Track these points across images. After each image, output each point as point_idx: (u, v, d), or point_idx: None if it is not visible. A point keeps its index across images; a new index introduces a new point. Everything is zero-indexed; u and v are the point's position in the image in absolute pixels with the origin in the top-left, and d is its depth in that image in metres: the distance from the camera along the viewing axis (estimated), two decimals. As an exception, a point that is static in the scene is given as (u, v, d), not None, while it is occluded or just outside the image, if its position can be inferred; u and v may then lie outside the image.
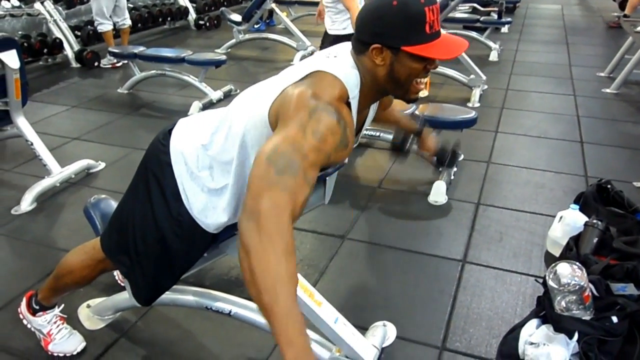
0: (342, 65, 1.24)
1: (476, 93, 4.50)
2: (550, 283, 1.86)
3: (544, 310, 1.89)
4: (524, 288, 2.20)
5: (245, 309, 1.72)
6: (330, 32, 3.56)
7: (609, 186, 2.55)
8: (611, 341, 1.77)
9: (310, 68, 1.23)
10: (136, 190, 1.47)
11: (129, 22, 5.82)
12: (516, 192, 3.00)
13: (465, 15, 6.52)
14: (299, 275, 1.63)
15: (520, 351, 1.80)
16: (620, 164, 3.34)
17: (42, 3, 5.67)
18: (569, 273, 1.83)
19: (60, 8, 5.92)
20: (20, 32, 5.49)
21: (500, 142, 3.70)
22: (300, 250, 2.47)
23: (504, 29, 7.11)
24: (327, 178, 1.63)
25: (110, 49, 5.13)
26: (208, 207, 1.39)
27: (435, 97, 4.47)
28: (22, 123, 2.99)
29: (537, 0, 9.54)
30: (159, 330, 2.01)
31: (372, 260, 2.44)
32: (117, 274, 2.15)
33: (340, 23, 3.50)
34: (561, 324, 1.79)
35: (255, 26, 6.89)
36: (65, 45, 5.71)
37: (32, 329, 1.87)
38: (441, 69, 4.43)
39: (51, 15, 5.69)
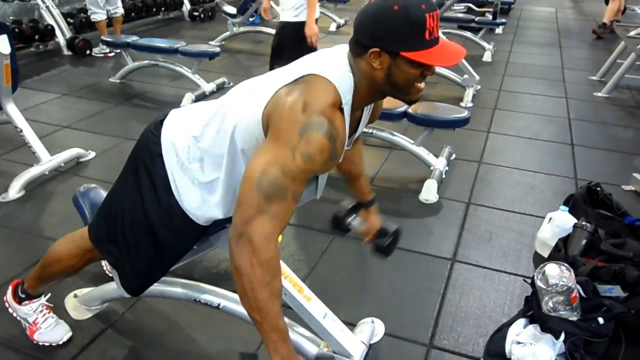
0: (336, 68, 1.23)
1: (469, 93, 4.52)
2: (539, 283, 1.87)
3: (532, 310, 1.91)
4: (512, 288, 2.21)
5: (234, 303, 1.71)
6: (284, 19, 3.61)
7: (598, 189, 2.57)
8: (597, 342, 1.79)
9: (305, 69, 1.22)
10: (126, 180, 1.46)
11: (121, 10, 5.77)
12: (506, 192, 3.02)
13: (460, 15, 6.53)
14: (289, 271, 1.65)
15: (507, 350, 1.81)
16: (610, 167, 3.37)
17: (34, -11, 5.60)
18: (557, 274, 1.84)
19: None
20: (11, 18, 5.43)
21: (492, 142, 3.71)
22: (291, 245, 2.47)
23: (498, 30, 7.14)
24: (320, 175, 1.62)
25: (103, 37, 5.08)
26: (198, 200, 1.38)
27: (428, 96, 4.48)
28: (11, 109, 2.95)
29: (532, 3, 9.58)
30: (147, 321, 2.00)
31: (362, 256, 2.44)
32: (105, 264, 2.14)
33: (294, 10, 3.54)
34: (548, 324, 1.80)
35: (250, 19, 6.85)
36: (57, 32, 5.65)
37: (18, 317, 1.85)
38: (434, 73, 4.43)
39: (43, 2, 5.62)
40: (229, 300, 1.72)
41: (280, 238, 1.21)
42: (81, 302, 1.96)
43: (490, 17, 6.48)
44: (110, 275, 2.06)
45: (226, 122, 1.29)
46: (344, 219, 1.76)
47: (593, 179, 2.72)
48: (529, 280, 2.02)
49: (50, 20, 5.63)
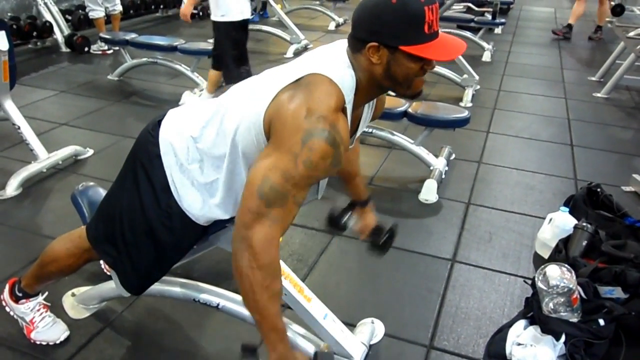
0: (338, 65, 1.22)
1: (469, 93, 4.51)
2: (539, 285, 1.86)
3: (532, 311, 1.90)
4: (512, 289, 2.20)
5: (233, 303, 1.70)
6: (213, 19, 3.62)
7: (598, 190, 2.57)
8: (597, 344, 1.79)
9: (307, 69, 1.20)
10: (124, 181, 1.45)
11: (120, 7, 5.74)
12: (506, 192, 3.01)
13: (460, 15, 6.52)
14: (289, 271, 1.64)
15: (507, 351, 1.80)
16: (609, 168, 3.37)
17: (32, -15, 5.57)
18: (558, 275, 1.84)
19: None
20: (9, 14, 5.39)
21: (491, 142, 3.71)
22: (290, 245, 2.46)
23: (498, 30, 7.13)
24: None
25: (101, 34, 5.05)
26: (198, 200, 1.37)
27: (428, 96, 4.47)
28: (9, 106, 2.92)
29: (530, 3, 9.58)
30: (145, 321, 1.99)
31: (362, 256, 2.43)
32: (103, 262, 2.12)
33: (219, 9, 3.54)
34: (549, 326, 1.80)
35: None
36: (55, 29, 5.61)
37: (15, 316, 1.83)
38: (435, 68, 4.43)
39: (41, -3, 5.59)
40: (228, 300, 1.71)
41: (280, 239, 1.22)
42: (79, 301, 1.95)
43: (489, 17, 6.48)
44: (109, 274, 2.04)
45: (226, 124, 1.28)
46: (340, 218, 1.79)
47: (593, 180, 2.72)
48: (530, 281, 2.02)
49: (48, 17, 5.59)
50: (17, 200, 2.75)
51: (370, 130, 3.06)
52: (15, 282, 1.82)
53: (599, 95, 4.76)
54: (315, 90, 1.16)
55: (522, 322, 1.89)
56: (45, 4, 5.60)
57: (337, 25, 7.21)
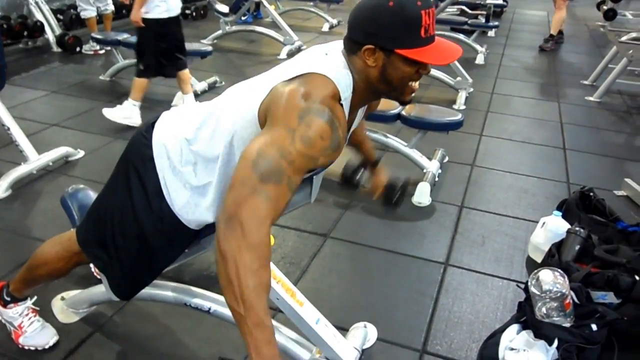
0: (333, 65, 1.21)
1: (462, 95, 4.52)
2: (532, 289, 1.86)
3: (525, 315, 1.90)
4: (505, 293, 2.20)
5: (225, 307, 1.66)
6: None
7: (591, 194, 2.57)
8: (590, 349, 1.78)
9: (301, 68, 1.19)
10: (116, 184, 1.43)
11: (111, 7, 5.70)
12: (499, 196, 3.01)
13: (453, 17, 6.53)
14: (281, 274, 1.62)
15: (500, 356, 1.79)
16: (602, 172, 3.38)
17: (23, -16, 5.52)
18: (551, 280, 1.83)
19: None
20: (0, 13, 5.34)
21: (484, 145, 3.71)
22: (282, 247, 2.44)
23: (491, 33, 7.15)
24: (315, 177, 1.60)
25: (93, 34, 5.01)
26: (190, 204, 1.35)
27: (421, 98, 4.47)
28: (-2, 107, 2.89)
29: (524, 6, 9.61)
30: (136, 325, 1.96)
31: (355, 260, 2.42)
32: (93, 266, 2.09)
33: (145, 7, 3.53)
34: (541, 330, 1.79)
35: (243, 18, 6.82)
36: (47, 28, 5.56)
37: (3, 320, 1.81)
38: (430, 72, 4.43)
39: (33, -3, 5.55)
40: (219, 305, 1.69)
41: (272, 241, 1.19)
42: (68, 304, 1.92)
43: (483, 19, 6.50)
44: (99, 277, 2.02)
45: (221, 125, 1.26)
46: (353, 175, 1.83)
47: (585, 184, 2.72)
48: (522, 286, 2.01)
49: (39, 17, 5.54)
50: (6, 202, 2.71)
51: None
52: (3, 286, 1.80)
53: (591, 99, 4.78)
54: (311, 81, 1.16)
55: (515, 327, 1.89)
56: (37, 3, 5.55)
57: (331, 27, 7.21)
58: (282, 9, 7.64)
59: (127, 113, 3.65)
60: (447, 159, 3.33)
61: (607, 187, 3.06)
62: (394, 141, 3.09)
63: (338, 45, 1.28)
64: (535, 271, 1.89)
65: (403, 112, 3.01)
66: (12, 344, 1.79)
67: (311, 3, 7.66)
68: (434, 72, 4.54)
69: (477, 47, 5.89)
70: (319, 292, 2.14)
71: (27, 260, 1.69)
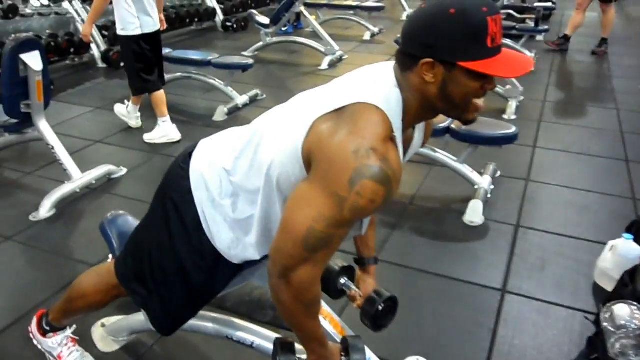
0: (381, 88, 1.08)
1: (512, 105, 4.31)
2: (605, 324, 1.69)
3: (596, 352, 1.72)
4: (570, 324, 2.02)
5: (269, 341, 1.58)
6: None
7: (664, 213, 2.35)
8: (674, 393, 1.59)
9: (347, 97, 1.07)
10: (154, 217, 1.35)
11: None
12: (558, 214, 2.81)
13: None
14: (328, 309, 1.51)
15: (571, 400, 1.63)
16: (671, 187, 3.12)
17: (70, 2, 5.64)
18: (628, 315, 1.66)
19: (88, 7, 5.87)
20: (47, 31, 5.47)
21: (539, 158, 3.50)
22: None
23: (540, 37, 6.86)
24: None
25: (136, 50, 5.05)
26: (232, 239, 1.26)
27: (469, 108, 4.28)
28: (43, 126, 2.90)
29: (572, 8, 9.21)
30: (177, 355, 1.89)
31: (404, 285, 2.28)
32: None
33: (120, 23, 3.52)
34: (617, 371, 1.61)
35: (283, 29, 6.78)
36: (92, 44, 5.66)
37: (43, 350, 1.77)
38: (496, 87, 4.25)
39: (79, 15, 5.66)
40: (263, 339, 1.61)
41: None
42: (109, 332, 1.87)
43: (531, 23, 6.24)
44: (139, 304, 1.97)
45: (260, 155, 1.16)
46: (336, 279, 1.50)
47: (655, 201, 2.51)
48: (592, 318, 1.84)
49: (85, 33, 5.65)
50: (49, 222, 2.71)
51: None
52: (42, 314, 1.76)
53: (653, 105, 4.49)
54: (360, 119, 1.03)
55: (585, 365, 1.72)
56: (83, 20, 5.66)
57: (373, 35, 7.08)
58: (323, 19, 7.58)
59: (163, 132, 3.67)
60: (499, 173, 3.15)
61: (679, 204, 2.82)
62: (443, 156, 2.94)
63: (387, 65, 1.15)
64: (608, 304, 1.72)
65: (453, 126, 2.86)
66: (51, 375, 1.74)
67: (351, 12, 7.56)
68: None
69: (527, 52, 5.64)
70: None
71: (68, 285, 1.64)
